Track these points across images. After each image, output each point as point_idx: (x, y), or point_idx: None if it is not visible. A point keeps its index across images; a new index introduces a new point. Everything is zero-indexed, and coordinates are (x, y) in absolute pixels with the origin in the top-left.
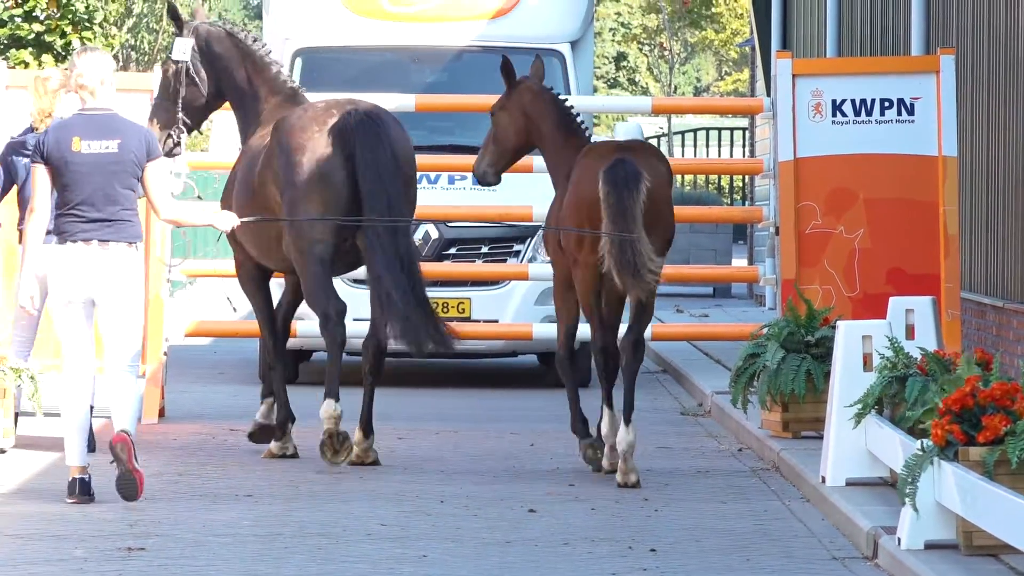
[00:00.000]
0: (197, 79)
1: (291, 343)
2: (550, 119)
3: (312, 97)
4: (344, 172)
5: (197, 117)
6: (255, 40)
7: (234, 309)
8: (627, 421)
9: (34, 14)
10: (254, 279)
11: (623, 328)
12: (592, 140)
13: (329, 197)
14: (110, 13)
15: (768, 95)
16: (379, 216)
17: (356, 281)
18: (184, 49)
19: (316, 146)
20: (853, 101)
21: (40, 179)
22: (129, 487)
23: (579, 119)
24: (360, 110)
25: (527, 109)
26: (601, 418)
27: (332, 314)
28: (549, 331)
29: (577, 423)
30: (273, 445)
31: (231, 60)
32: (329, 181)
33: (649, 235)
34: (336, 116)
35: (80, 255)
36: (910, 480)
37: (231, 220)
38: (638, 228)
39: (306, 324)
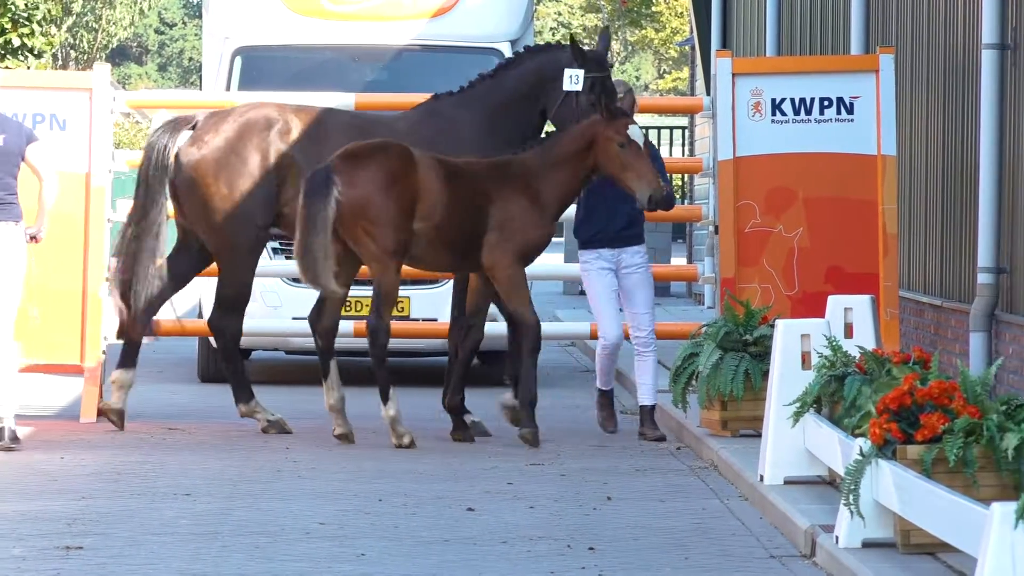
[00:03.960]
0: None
1: None
2: None
3: (251, 96)
4: None
5: None
6: None
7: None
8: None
9: None
10: None
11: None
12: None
13: None
14: (49, 12)
15: (708, 94)
16: None
17: (295, 280)
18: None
19: None
20: (792, 100)
21: None
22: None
23: None
24: None
25: None
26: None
27: None
28: (489, 329)
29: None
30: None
31: None
32: None
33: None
34: None
35: None
36: (853, 487)
37: None
38: (319, 235)
39: (244, 323)
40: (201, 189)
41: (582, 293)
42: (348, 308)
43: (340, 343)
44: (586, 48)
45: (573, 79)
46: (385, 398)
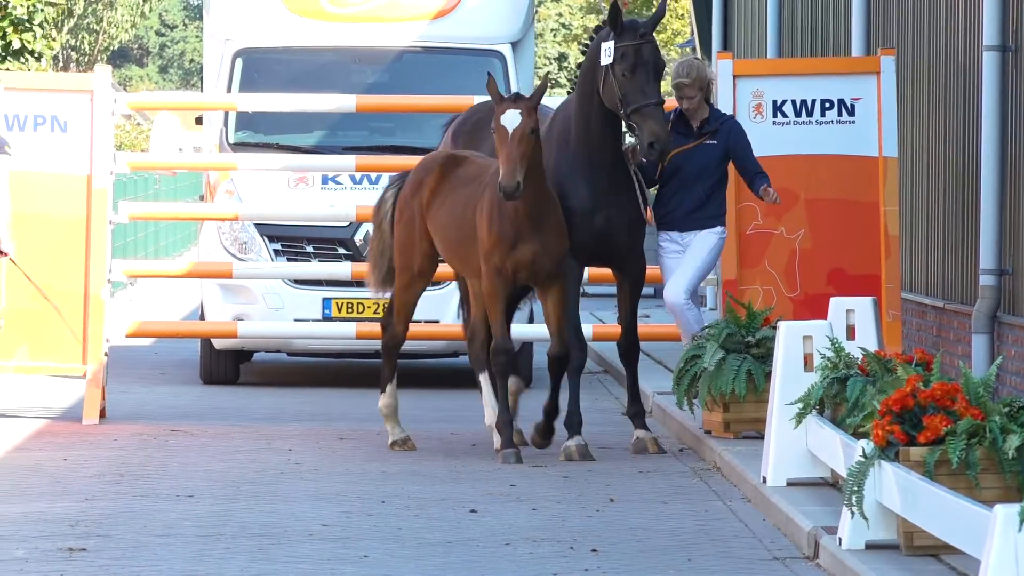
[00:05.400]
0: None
1: (231, 343)
2: None
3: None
4: None
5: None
6: None
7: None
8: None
9: None
10: None
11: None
12: None
13: None
14: (50, 15)
15: None
16: None
17: (296, 282)
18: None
19: None
20: (794, 102)
21: None
22: None
23: None
24: None
25: None
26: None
27: None
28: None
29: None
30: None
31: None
32: None
33: None
34: None
35: None
36: (855, 488)
37: None
38: (376, 233)
39: (246, 325)
40: None
41: None
42: (351, 310)
43: (343, 344)
44: (627, 19)
45: (607, 52)
46: (383, 389)
